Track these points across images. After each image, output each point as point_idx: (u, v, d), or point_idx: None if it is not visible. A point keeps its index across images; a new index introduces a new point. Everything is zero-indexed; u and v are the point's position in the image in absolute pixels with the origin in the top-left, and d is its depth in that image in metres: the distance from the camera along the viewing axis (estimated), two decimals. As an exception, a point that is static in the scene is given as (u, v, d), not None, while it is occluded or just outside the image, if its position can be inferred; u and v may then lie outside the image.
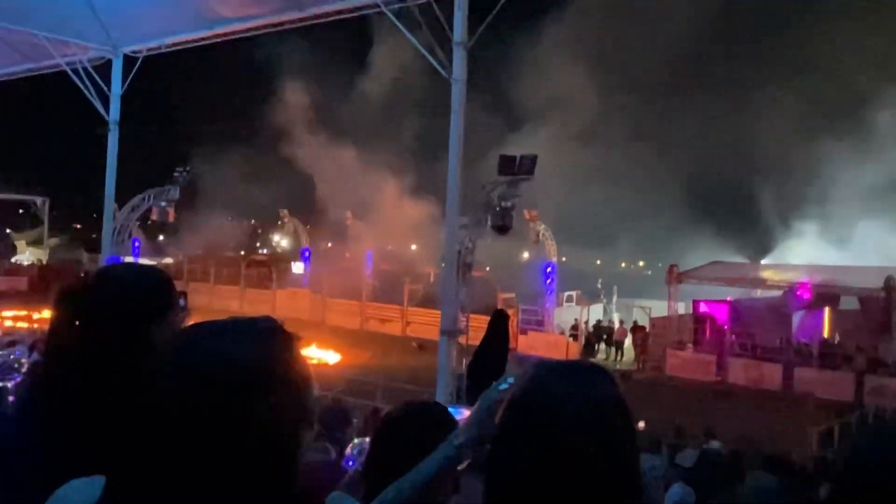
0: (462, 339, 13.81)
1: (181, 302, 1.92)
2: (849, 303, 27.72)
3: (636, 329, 27.37)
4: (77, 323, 1.75)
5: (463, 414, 2.00)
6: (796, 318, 27.16)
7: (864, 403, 19.98)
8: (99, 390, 1.59)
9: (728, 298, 28.03)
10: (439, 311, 14.56)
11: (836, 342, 26.33)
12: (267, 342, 1.16)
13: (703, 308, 27.07)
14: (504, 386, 1.53)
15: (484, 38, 12.90)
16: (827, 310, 28.63)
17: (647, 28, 52.68)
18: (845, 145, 41.80)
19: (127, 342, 1.66)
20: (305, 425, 1.17)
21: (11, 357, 5.66)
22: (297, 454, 1.15)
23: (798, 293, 27.17)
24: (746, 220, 43.01)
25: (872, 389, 21.04)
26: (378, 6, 12.80)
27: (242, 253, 45.42)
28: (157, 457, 1.08)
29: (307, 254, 38.87)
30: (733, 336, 25.12)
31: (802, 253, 37.48)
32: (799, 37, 51.36)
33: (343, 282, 34.55)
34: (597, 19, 52.84)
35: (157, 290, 1.83)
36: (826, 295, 27.95)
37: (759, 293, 29.65)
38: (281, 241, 49.92)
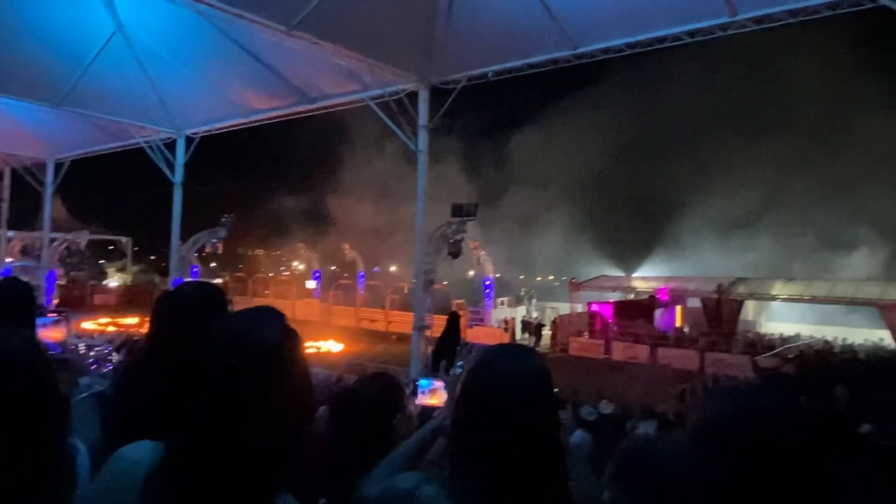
0: (428, 333, 13.76)
1: (230, 308, 1.94)
2: (693, 302, 28.21)
3: (553, 324, 27.59)
4: (162, 320, 1.78)
5: (434, 384, 1.97)
6: (658, 313, 27.58)
7: (705, 371, 20.32)
8: (174, 368, 1.58)
9: (611, 300, 28.36)
10: (412, 313, 14.49)
11: (685, 330, 26.75)
12: (279, 328, 1.17)
13: (594, 307, 27.28)
14: (459, 370, 1.53)
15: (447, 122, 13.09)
16: (678, 307, 29.11)
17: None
18: (696, 194, 43.15)
19: (193, 335, 1.66)
20: (308, 394, 1.17)
21: (105, 352, 5.56)
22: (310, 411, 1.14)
23: (659, 296, 27.62)
24: (625, 244, 43.54)
25: (711, 362, 21.40)
26: (365, 101, 12.88)
27: (271, 274, 44.65)
28: (203, 414, 1.06)
29: (317, 274, 38.41)
30: (615, 326, 25.37)
31: (662, 267, 38.05)
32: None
33: (343, 294, 34.28)
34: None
35: (215, 298, 1.86)
36: (678, 297, 28.44)
37: (632, 296, 30.02)
38: (298, 265, 49.24)
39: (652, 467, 1.04)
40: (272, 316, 1.21)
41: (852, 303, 24.00)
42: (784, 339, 25.11)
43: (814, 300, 25.19)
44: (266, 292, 37.10)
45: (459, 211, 14.27)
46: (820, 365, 16.49)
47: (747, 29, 9.13)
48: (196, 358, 1.12)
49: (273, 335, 1.14)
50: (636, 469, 1.06)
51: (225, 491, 1.03)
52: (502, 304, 31.27)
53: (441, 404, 1.78)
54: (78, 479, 1.29)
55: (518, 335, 27.42)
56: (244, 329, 1.14)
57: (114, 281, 42.94)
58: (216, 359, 1.10)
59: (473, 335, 25.98)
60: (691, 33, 9.58)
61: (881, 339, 23.61)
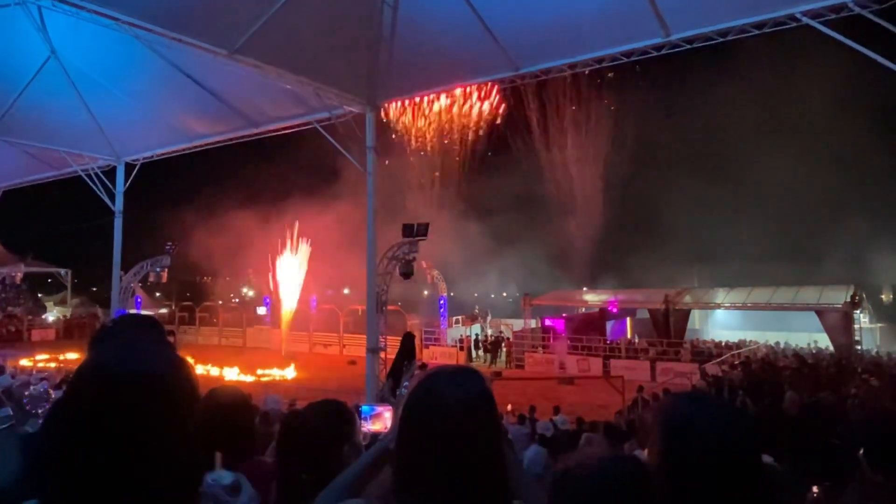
0: (382, 355, 13.60)
1: (170, 339, 1.86)
2: (641, 313, 28.78)
3: (506, 341, 27.65)
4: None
5: (376, 410, 1.93)
6: (609, 325, 28.04)
7: (656, 381, 20.70)
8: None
9: (564, 315, 28.68)
10: (366, 336, 14.31)
11: (635, 341, 27.25)
12: (162, 357, 1.03)
13: (547, 323, 27.54)
14: (403, 391, 1.49)
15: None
16: (628, 319, 29.68)
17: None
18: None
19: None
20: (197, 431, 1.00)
21: (42, 390, 5.26)
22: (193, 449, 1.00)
23: (609, 309, 28.11)
24: (574, 261, 44.31)
25: (661, 371, 21.84)
26: (312, 124, 12.78)
27: (220, 302, 43.49)
28: (77, 457, 0.94)
29: (268, 300, 37.65)
30: (569, 341, 25.63)
31: (610, 281, 38.72)
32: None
33: (295, 319, 33.67)
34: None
35: (153, 330, 1.80)
36: (627, 309, 29.01)
37: (583, 310, 30.47)
38: (248, 292, 48.15)
39: (579, 491, 1.03)
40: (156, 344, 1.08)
41: (791, 308, 24.95)
42: (729, 346, 25.86)
43: (755, 307, 26.09)
44: (215, 321, 36.13)
45: (410, 231, 14.25)
46: (765, 369, 17.00)
47: (681, 48, 9.51)
48: (69, 394, 0.99)
49: (153, 365, 0.99)
50: (563, 494, 1.05)
51: None
52: (457, 322, 31.28)
53: (384, 429, 1.73)
54: None
55: (473, 353, 27.42)
56: (119, 360, 0.99)
57: (53, 315, 41.11)
58: (88, 393, 0.96)
59: (429, 355, 25.87)
60: (627, 53, 9.90)
61: (815, 342, 24.65)
